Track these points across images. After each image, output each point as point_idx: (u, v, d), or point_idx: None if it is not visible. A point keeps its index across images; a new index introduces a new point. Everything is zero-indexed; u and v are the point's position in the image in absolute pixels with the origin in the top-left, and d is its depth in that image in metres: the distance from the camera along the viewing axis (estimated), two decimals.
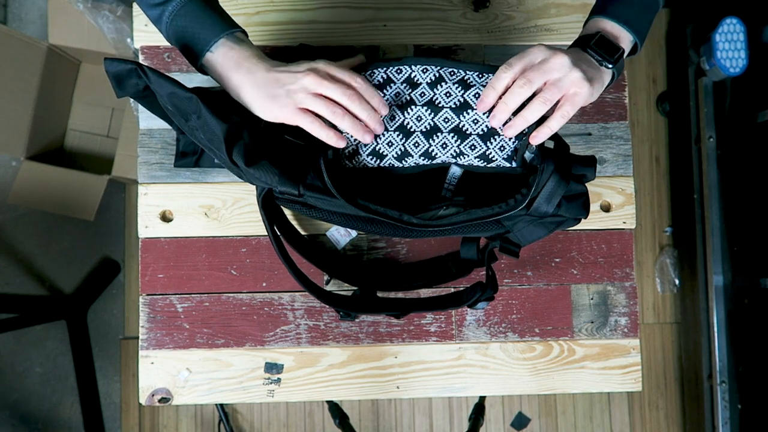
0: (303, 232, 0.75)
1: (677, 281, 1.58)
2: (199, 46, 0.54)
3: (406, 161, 0.58)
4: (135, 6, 0.77)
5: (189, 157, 0.73)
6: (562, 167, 0.54)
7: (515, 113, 0.54)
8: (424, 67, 0.58)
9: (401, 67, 0.58)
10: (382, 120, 0.56)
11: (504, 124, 0.54)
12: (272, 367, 0.74)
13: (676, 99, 1.57)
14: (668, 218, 1.61)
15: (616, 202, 0.77)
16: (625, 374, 0.76)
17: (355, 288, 0.72)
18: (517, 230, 0.61)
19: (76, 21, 1.35)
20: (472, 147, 0.57)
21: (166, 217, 0.75)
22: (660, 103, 1.62)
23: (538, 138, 0.53)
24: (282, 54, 0.77)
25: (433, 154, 0.58)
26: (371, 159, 0.58)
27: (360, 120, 0.54)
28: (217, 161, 0.65)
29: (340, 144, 0.54)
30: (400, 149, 0.58)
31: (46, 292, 1.54)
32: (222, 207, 0.75)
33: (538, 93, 0.51)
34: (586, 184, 0.59)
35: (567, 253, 0.76)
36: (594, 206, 0.77)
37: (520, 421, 1.55)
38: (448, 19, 0.79)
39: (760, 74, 1.34)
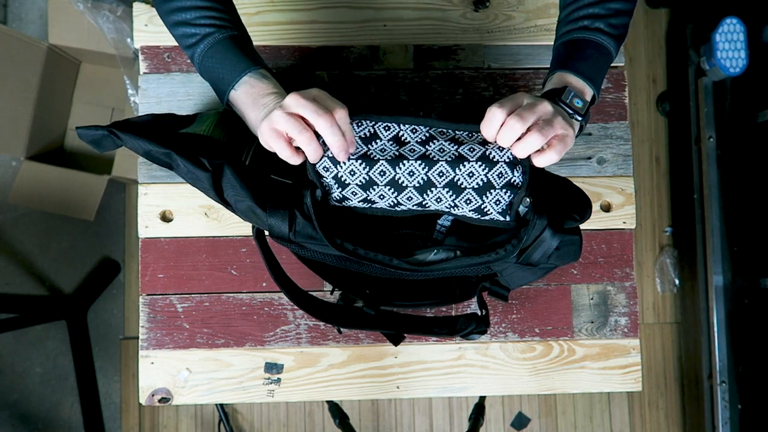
0: None
1: (677, 281, 1.58)
2: (224, 85, 0.56)
3: (399, 209, 0.57)
4: (135, 6, 0.77)
5: None
6: (555, 222, 0.54)
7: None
8: (413, 127, 0.56)
9: (390, 125, 0.56)
10: (347, 151, 0.53)
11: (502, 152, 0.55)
12: (272, 367, 0.74)
13: (676, 99, 1.58)
14: (668, 218, 1.61)
15: (616, 202, 0.77)
16: (625, 374, 0.76)
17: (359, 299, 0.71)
18: (507, 274, 0.61)
19: (76, 21, 1.34)
20: (468, 201, 0.55)
21: (166, 217, 0.75)
22: (660, 103, 1.62)
23: (539, 161, 0.53)
24: (281, 53, 0.77)
25: (427, 206, 0.57)
26: (362, 205, 0.57)
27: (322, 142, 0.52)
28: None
29: (294, 161, 0.53)
30: (392, 201, 0.56)
31: (46, 292, 1.54)
32: (222, 207, 0.75)
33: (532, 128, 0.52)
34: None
35: None
36: (594, 206, 0.77)
37: (520, 421, 1.55)
38: (448, 19, 0.79)
39: (760, 74, 1.34)
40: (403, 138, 0.56)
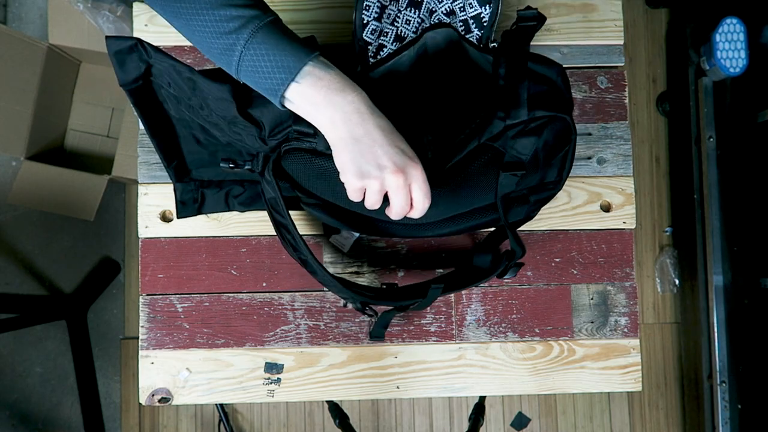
0: (314, 231, 0.75)
1: (677, 281, 1.58)
2: (282, 74, 0.48)
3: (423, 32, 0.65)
4: (135, 6, 0.77)
5: (190, 205, 0.73)
6: (515, 60, 0.60)
7: None
8: None
9: None
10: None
11: None
12: (272, 367, 0.74)
13: (676, 99, 1.57)
14: (668, 218, 1.61)
15: (616, 202, 0.77)
16: (625, 374, 0.76)
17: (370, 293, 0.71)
18: (510, 147, 0.61)
19: (76, 21, 1.34)
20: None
21: (166, 217, 0.75)
22: (660, 103, 1.62)
23: None
24: None
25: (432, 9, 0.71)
26: (395, 45, 0.69)
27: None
28: (224, 138, 0.63)
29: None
30: (417, 22, 0.70)
31: (46, 292, 1.54)
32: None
33: None
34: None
35: (567, 253, 0.76)
36: (594, 206, 0.77)
37: (520, 421, 1.55)
38: None
39: (760, 74, 1.34)
40: None
